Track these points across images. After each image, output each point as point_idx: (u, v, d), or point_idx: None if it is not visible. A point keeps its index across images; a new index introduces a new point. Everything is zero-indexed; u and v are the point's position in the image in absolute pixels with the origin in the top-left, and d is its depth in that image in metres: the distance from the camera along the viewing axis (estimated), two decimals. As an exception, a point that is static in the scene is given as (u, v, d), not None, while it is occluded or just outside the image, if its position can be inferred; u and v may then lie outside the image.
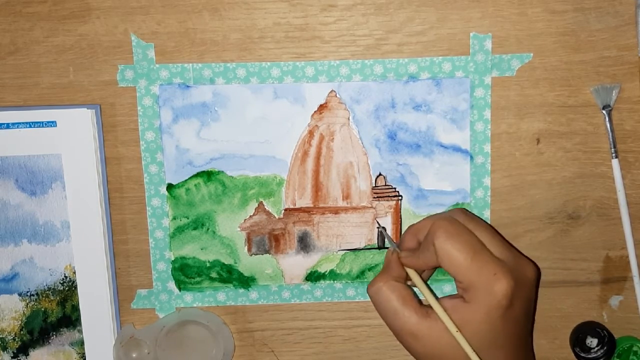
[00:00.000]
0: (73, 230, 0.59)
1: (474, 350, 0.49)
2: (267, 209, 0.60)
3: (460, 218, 0.53)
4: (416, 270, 0.54)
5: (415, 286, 0.54)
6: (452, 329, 0.50)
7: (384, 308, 0.52)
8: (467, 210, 0.58)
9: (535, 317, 0.61)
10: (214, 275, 0.61)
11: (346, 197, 0.60)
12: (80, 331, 0.60)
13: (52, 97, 0.58)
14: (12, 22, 0.57)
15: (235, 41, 0.57)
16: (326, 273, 0.61)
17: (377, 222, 0.60)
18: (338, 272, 0.61)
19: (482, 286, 0.49)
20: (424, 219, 0.55)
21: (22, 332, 0.61)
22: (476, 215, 0.56)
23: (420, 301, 0.53)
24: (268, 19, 0.57)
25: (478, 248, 0.50)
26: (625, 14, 0.57)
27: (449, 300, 0.51)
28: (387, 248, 0.60)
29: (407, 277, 0.54)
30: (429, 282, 0.57)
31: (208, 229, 0.60)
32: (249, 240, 0.60)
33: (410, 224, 0.59)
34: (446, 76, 0.58)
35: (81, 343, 0.61)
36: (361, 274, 0.61)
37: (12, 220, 0.59)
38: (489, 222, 0.60)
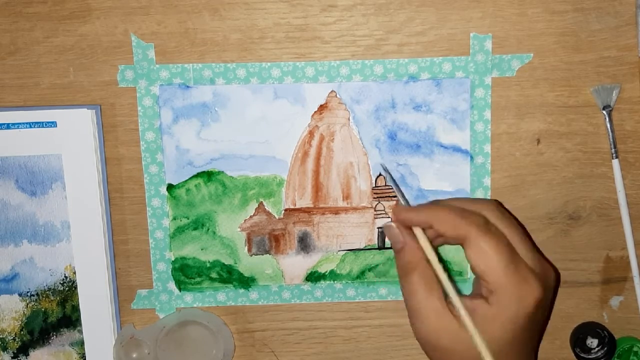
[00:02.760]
0: (73, 231, 0.59)
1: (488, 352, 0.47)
2: (267, 209, 0.60)
3: (493, 215, 0.50)
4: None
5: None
6: (469, 325, 0.47)
7: (410, 297, 0.49)
8: (500, 203, 0.53)
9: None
10: (214, 275, 0.61)
11: (346, 197, 0.60)
12: (80, 331, 0.60)
13: (52, 98, 0.58)
14: (12, 22, 0.57)
15: (236, 41, 0.57)
16: (326, 273, 0.61)
17: (389, 174, 0.57)
18: (338, 272, 0.61)
19: (512, 291, 0.47)
20: (444, 200, 0.51)
21: (22, 332, 0.61)
22: (508, 211, 0.52)
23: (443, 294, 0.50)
24: (268, 19, 0.57)
25: (512, 251, 0.48)
26: (625, 14, 0.57)
27: (471, 300, 0.48)
28: (387, 248, 0.60)
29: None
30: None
31: (208, 229, 0.60)
32: (249, 241, 0.60)
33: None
34: (446, 76, 0.58)
35: (81, 343, 0.61)
36: (361, 274, 0.61)
37: (12, 221, 0.59)
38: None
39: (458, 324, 0.48)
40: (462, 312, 0.48)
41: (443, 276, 0.49)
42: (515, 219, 0.53)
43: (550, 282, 0.50)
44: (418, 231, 0.49)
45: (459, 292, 0.49)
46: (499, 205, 0.52)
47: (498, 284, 0.47)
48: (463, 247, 0.48)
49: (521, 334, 0.48)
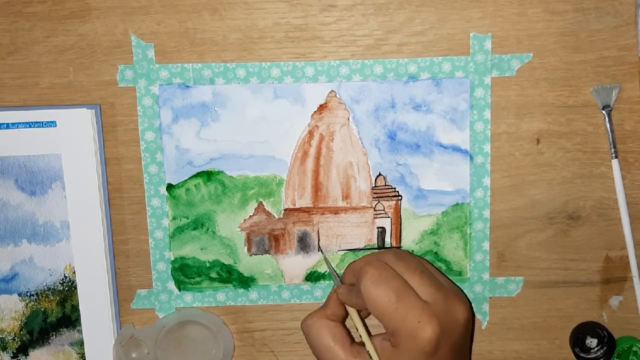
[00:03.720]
0: (73, 231, 0.59)
1: None
2: (267, 209, 0.60)
3: (390, 260, 0.53)
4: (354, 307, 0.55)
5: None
6: None
7: (315, 345, 0.54)
8: (400, 250, 0.58)
9: (536, 317, 0.61)
10: (213, 275, 0.61)
11: (346, 197, 0.60)
12: (80, 331, 0.60)
13: (52, 97, 0.58)
14: (12, 22, 0.57)
15: (235, 41, 0.57)
16: (326, 273, 0.61)
17: (321, 250, 0.60)
18: (338, 272, 0.61)
19: (406, 332, 0.49)
20: (360, 259, 0.56)
21: (21, 332, 0.61)
22: (410, 254, 0.55)
23: (352, 340, 0.54)
24: (268, 19, 0.57)
25: (403, 293, 0.50)
26: (625, 14, 0.57)
27: (380, 341, 0.52)
28: (387, 248, 0.60)
29: (347, 315, 0.55)
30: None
31: (208, 229, 0.60)
32: (248, 241, 0.60)
33: (410, 225, 0.60)
34: (446, 76, 0.58)
35: (81, 343, 0.61)
36: (361, 274, 0.61)
37: (12, 221, 0.59)
38: (487, 223, 0.60)
39: None
40: (372, 352, 0.52)
41: (355, 317, 0.54)
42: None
43: (457, 317, 0.51)
44: (353, 314, 0.55)
45: (370, 334, 0.53)
46: (399, 251, 0.55)
47: (392, 327, 0.50)
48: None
49: None
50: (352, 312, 0.55)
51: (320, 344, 0.53)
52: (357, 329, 0.54)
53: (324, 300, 0.61)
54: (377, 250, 0.60)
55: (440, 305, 0.50)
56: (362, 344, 0.53)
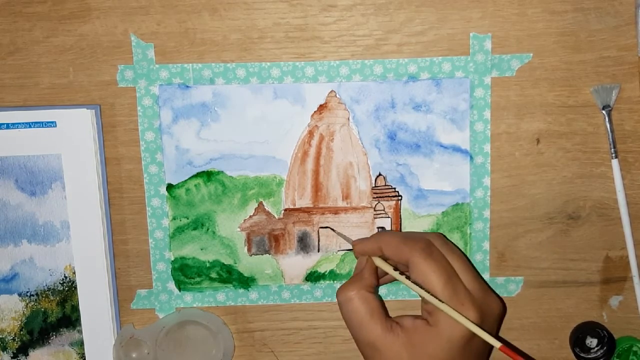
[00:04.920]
0: (73, 231, 0.59)
1: (436, 297, 0.50)
2: (267, 209, 0.60)
3: (437, 242, 0.53)
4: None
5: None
6: (419, 290, 0.50)
7: (351, 317, 0.53)
8: (443, 235, 0.58)
9: (536, 317, 0.61)
10: (213, 275, 0.61)
11: (346, 197, 0.60)
12: (80, 331, 0.60)
13: (52, 97, 0.58)
14: (12, 22, 0.57)
15: (235, 41, 0.57)
16: (326, 273, 0.61)
17: (331, 228, 0.60)
18: (338, 272, 0.61)
19: (448, 314, 0.49)
20: (390, 232, 0.56)
21: (21, 333, 0.61)
22: (451, 242, 0.56)
23: (387, 314, 0.53)
24: (268, 19, 0.57)
25: (451, 274, 0.50)
26: (625, 14, 0.57)
27: (412, 320, 0.51)
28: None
29: (377, 285, 0.55)
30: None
31: (208, 229, 0.60)
32: (248, 241, 0.60)
33: (410, 225, 0.60)
34: (446, 76, 0.58)
35: (81, 343, 0.61)
36: (361, 274, 0.61)
37: (12, 221, 0.59)
38: (487, 223, 0.60)
39: (393, 340, 0.51)
40: (409, 284, 0.51)
41: (388, 268, 0.53)
42: (461, 251, 0.56)
43: (492, 311, 0.52)
44: (377, 260, 0.54)
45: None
46: (443, 236, 0.56)
47: (435, 304, 0.50)
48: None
49: (458, 356, 0.50)
50: (380, 262, 0.54)
51: (358, 317, 0.52)
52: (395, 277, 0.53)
53: (325, 299, 0.61)
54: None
55: (480, 294, 0.51)
56: (394, 320, 0.52)
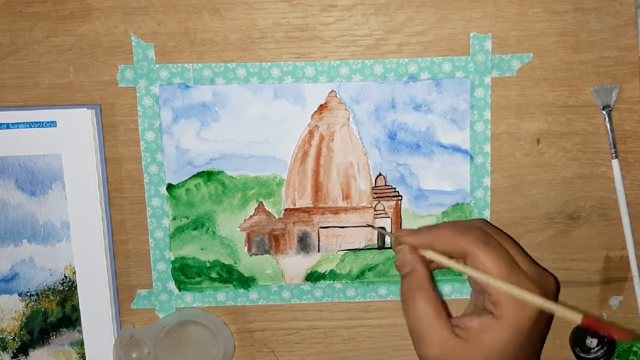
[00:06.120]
0: (73, 231, 0.59)
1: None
2: (267, 209, 0.60)
3: (488, 229, 0.52)
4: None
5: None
6: (485, 278, 0.48)
7: (415, 314, 0.50)
8: (487, 221, 0.57)
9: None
10: (214, 275, 0.61)
11: (346, 197, 0.60)
12: (80, 331, 0.60)
13: (52, 97, 0.58)
14: (12, 22, 0.57)
15: (235, 41, 0.57)
16: (326, 273, 0.61)
17: (371, 225, 0.60)
18: (338, 272, 0.61)
19: (514, 301, 0.48)
20: (438, 227, 0.52)
21: (22, 332, 0.61)
22: (497, 228, 0.55)
23: (449, 313, 0.51)
24: (268, 19, 0.57)
25: (510, 260, 0.49)
26: (625, 14, 0.57)
27: (477, 318, 0.49)
28: (386, 248, 0.60)
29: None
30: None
31: (208, 229, 0.60)
32: (249, 241, 0.60)
33: (410, 224, 0.60)
34: (446, 76, 0.58)
35: (81, 343, 0.61)
36: (361, 274, 0.61)
37: (12, 221, 0.59)
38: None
39: (464, 346, 0.48)
40: (475, 274, 0.48)
41: (441, 258, 0.50)
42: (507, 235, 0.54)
43: (550, 289, 0.51)
44: (428, 252, 0.51)
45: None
46: (487, 222, 0.54)
47: (501, 294, 0.48)
48: (465, 263, 0.50)
49: (527, 341, 0.49)
50: (432, 254, 0.51)
51: (422, 314, 0.49)
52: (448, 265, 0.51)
53: (325, 299, 0.61)
54: (377, 250, 0.60)
55: (536, 274, 0.50)
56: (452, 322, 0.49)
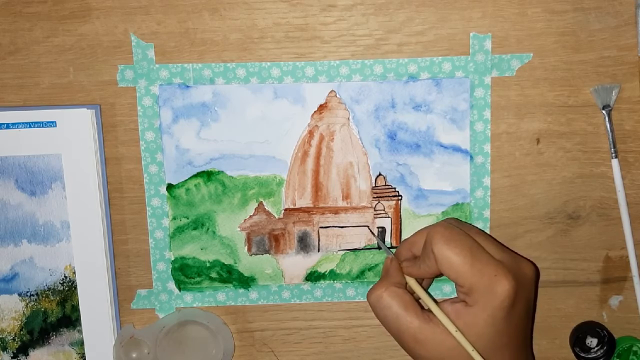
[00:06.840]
0: (73, 231, 0.59)
1: (477, 351, 0.49)
2: (267, 209, 0.60)
3: (454, 223, 0.54)
4: (416, 279, 0.54)
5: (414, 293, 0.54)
6: (452, 329, 0.50)
7: (386, 315, 0.52)
8: (458, 219, 0.59)
9: (535, 317, 0.61)
10: (214, 275, 0.61)
11: (346, 197, 0.60)
12: (80, 331, 0.60)
13: (52, 97, 0.58)
14: (12, 22, 0.57)
15: (235, 41, 0.57)
16: (326, 273, 0.61)
17: (370, 230, 0.60)
18: (338, 272, 0.61)
19: (483, 288, 0.49)
20: (416, 232, 0.56)
21: (22, 332, 0.61)
22: (468, 223, 0.57)
23: (421, 306, 0.53)
24: (268, 19, 0.57)
25: (476, 250, 0.50)
26: (625, 14, 0.57)
27: (451, 304, 0.51)
28: (387, 249, 0.60)
29: (406, 283, 0.54)
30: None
31: (208, 229, 0.60)
32: (248, 240, 0.60)
33: (410, 224, 0.60)
34: (446, 76, 0.58)
35: (81, 343, 0.61)
36: (361, 274, 0.61)
37: (12, 221, 0.59)
38: (487, 223, 0.60)
39: (440, 332, 0.51)
40: (439, 315, 0.51)
41: (418, 289, 0.54)
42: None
43: (527, 274, 0.52)
44: (410, 281, 0.54)
45: (435, 301, 0.52)
46: (455, 218, 0.58)
47: (469, 284, 0.50)
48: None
49: (504, 327, 0.50)
50: (413, 282, 0.54)
51: (392, 313, 0.52)
52: (421, 298, 0.54)
53: (325, 299, 0.61)
54: (377, 250, 0.60)
55: (510, 261, 0.51)
56: (430, 310, 0.52)
